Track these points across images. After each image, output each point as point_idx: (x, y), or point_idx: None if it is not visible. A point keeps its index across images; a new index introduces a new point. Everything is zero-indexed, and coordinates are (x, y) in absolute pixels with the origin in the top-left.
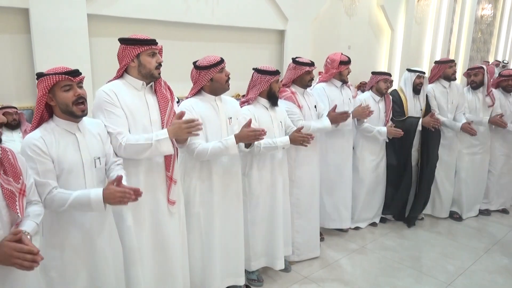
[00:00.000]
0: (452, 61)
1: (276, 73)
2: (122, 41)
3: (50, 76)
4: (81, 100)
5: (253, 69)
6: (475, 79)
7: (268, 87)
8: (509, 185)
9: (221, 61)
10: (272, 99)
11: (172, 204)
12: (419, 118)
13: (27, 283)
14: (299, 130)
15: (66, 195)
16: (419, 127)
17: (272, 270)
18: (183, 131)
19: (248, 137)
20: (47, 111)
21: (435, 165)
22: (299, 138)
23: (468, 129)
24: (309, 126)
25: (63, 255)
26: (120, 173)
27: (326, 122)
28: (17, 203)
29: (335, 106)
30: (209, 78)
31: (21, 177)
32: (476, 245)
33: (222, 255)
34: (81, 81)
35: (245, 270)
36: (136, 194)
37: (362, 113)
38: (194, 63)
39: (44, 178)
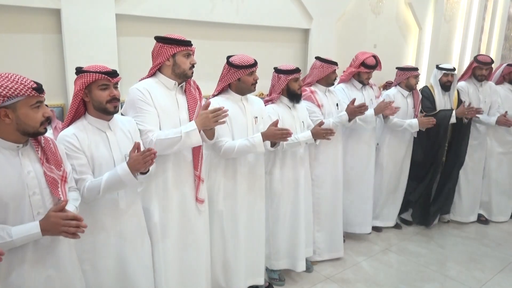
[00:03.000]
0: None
1: (293, 71)
2: (159, 39)
3: (90, 73)
4: (115, 100)
5: (273, 68)
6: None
7: (286, 86)
8: None
9: (253, 64)
10: (293, 97)
11: (201, 202)
12: (452, 110)
13: (68, 268)
14: (320, 124)
15: (98, 181)
16: (453, 119)
17: (294, 271)
18: (210, 120)
19: (275, 136)
20: (82, 107)
21: (462, 164)
22: (322, 132)
23: (503, 121)
24: (328, 123)
25: (95, 248)
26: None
27: (343, 117)
28: (59, 189)
29: (354, 99)
30: (237, 77)
31: (62, 164)
32: (505, 251)
33: (244, 255)
34: (117, 82)
35: (266, 268)
36: (151, 152)
37: (384, 108)
38: (228, 57)
39: (80, 174)
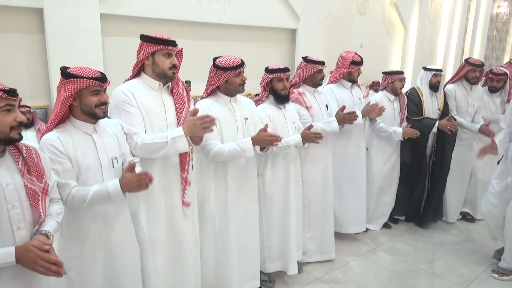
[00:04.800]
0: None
1: (276, 71)
2: (142, 37)
3: (84, 79)
4: (103, 105)
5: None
6: (497, 85)
7: (270, 85)
8: None
9: (240, 65)
10: (277, 98)
11: (187, 206)
12: (435, 120)
13: (50, 283)
14: (310, 127)
15: (85, 191)
16: (434, 129)
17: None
18: (198, 127)
19: (265, 141)
20: (68, 110)
21: (448, 167)
22: (311, 135)
23: (486, 130)
24: (316, 128)
25: (81, 254)
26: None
27: (334, 124)
28: (40, 202)
29: (344, 107)
30: (225, 80)
31: (44, 176)
32: (491, 248)
33: (238, 258)
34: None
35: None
36: (149, 178)
37: (370, 111)
38: (215, 59)
39: (64, 178)
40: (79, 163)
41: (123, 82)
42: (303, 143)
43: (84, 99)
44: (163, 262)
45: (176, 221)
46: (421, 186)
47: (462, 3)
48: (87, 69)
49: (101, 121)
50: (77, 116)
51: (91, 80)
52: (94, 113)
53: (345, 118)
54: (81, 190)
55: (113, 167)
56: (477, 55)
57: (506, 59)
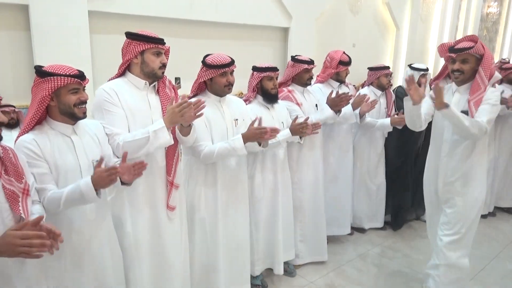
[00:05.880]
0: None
1: (266, 69)
2: (129, 35)
3: (61, 77)
4: (83, 104)
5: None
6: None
7: (260, 85)
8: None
9: (226, 65)
10: (268, 97)
11: (172, 210)
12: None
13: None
14: (295, 119)
15: (59, 194)
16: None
17: (276, 275)
18: (176, 115)
19: (255, 135)
20: (45, 111)
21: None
22: (298, 127)
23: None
24: (311, 120)
25: (61, 264)
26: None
27: (327, 111)
28: (20, 203)
29: (332, 92)
30: (209, 77)
31: (23, 176)
32: (483, 250)
33: (227, 262)
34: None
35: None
36: (115, 170)
37: (359, 102)
38: (206, 56)
39: (41, 183)
40: (57, 166)
41: (108, 81)
42: (300, 138)
43: (62, 98)
44: (148, 268)
45: (160, 225)
46: (405, 186)
47: (453, 2)
48: (64, 66)
49: (81, 122)
50: (54, 117)
51: (69, 78)
52: (73, 113)
53: (336, 101)
54: (55, 193)
55: (94, 170)
56: None
57: (496, 59)
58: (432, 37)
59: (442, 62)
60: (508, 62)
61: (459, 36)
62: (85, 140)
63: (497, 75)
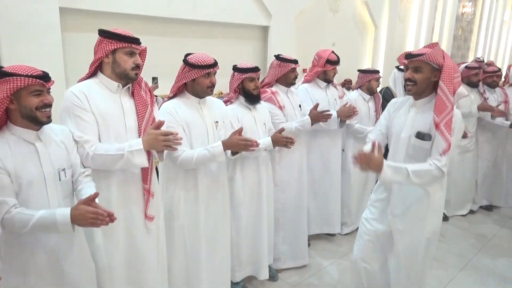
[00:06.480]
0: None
1: (247, 70)
2: (101, 33)
3: (21, 78)
4: (46, 107)
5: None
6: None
7: (242, 85)
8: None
9: (211, 65)
10: (250, 98)
11: (151, 220)
12: None
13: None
14: (281, 131)
15: (28, 216)
16: None
17: (258, 279)
18: (159, 143)
19: (238, 146)
20: (4, 115)
21: None
22: (282, 139)
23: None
24: (291, 128)
25: (25, 281)
26: (92, 190)
27: (306, 121)
28: None
29: (317, 105)
30: (192, 78)
31: None
32: (464, 248)
33: (208, 269)
34: (50, 87)
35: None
36: (110, 217)
37: (347, 113)
38: (187, 55)
39: (0, 196)
40: (19, 176)
41: (78, 82)
42: (274, 147)
43: (23, 100)
44: (122, 281)
45: (137, 237)
46: None
47: (429, 2)
48: (26, 67)
49: (46, 127)
50: (15, 122)
51: (30, 79)
52: (35, 117)
53: (318, 116)
54: (23, 213)
55: (59, 179)
56: None
57: (471, 58)
58: (410, 36)
59: None
60: (483, 61)
61: (436, 35)
62: (51, 148)
63: (462, 92)
